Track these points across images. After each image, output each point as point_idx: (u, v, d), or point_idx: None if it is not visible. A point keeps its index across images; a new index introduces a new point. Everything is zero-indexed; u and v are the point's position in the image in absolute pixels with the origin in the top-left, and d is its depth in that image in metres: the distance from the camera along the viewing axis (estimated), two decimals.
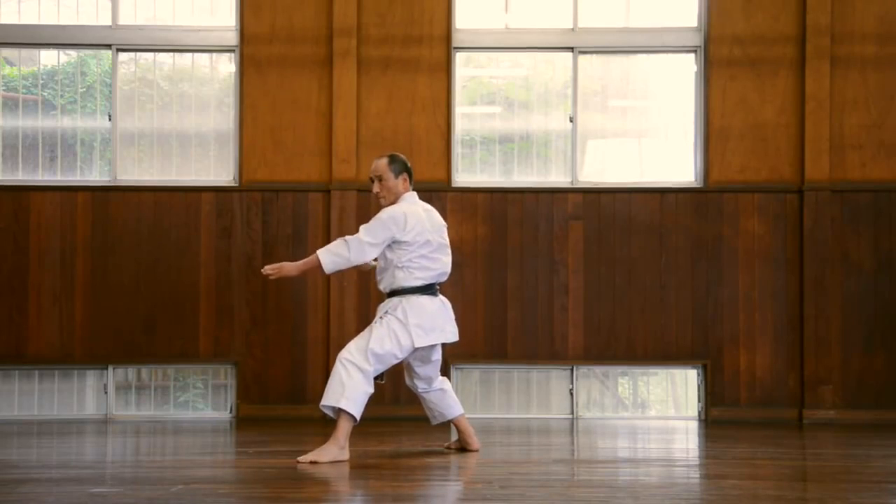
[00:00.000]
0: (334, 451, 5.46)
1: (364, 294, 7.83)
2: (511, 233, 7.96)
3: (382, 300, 5.56)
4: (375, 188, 5.76)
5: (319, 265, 5.56)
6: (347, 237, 5.58)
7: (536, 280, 7.93)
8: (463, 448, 5.99)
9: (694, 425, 7.68)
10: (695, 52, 8.08)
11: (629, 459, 5.91)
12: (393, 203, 5.74)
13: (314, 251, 7.89)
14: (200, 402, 8.03)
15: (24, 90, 8.22)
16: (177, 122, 8.14)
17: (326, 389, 5.48)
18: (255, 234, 7.92)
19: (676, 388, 8.19)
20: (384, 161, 5.77)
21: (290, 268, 5.59)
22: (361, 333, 5.62)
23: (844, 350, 7.87)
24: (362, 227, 5.60)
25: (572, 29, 8.10)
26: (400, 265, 5.64)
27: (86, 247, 7.90)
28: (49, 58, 8.25)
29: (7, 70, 8.30)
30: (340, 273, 7.84)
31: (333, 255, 5.54)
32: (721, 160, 7.97)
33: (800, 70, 7.96)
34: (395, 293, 5.70)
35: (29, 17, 8.15)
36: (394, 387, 7.76)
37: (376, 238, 5.57)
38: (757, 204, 7.95)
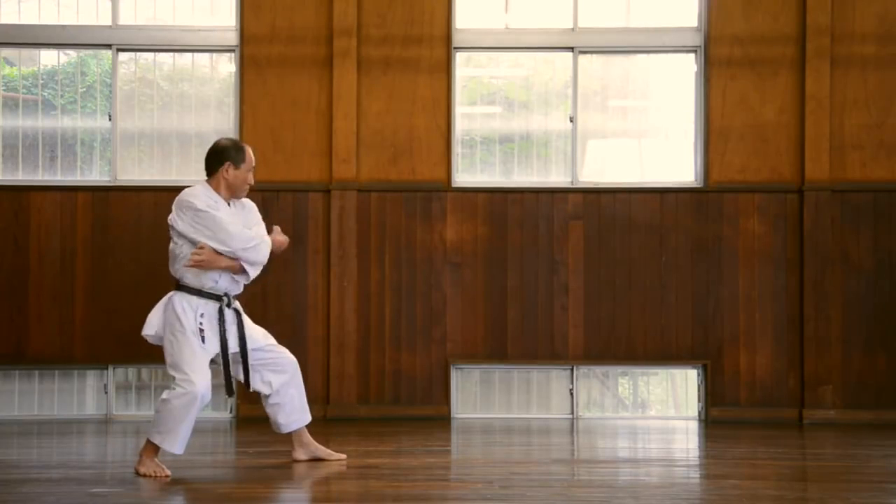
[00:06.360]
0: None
1: (364, 294, 7.82)
2: (511, 233, 7.95)
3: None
4: (251, 178, 5.60)
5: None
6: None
7: (536, 280, 7.93)
8: None
9: (694, 425, 7.68)
10: (695, 52, 8.08)
11: (629, 459, 5.91)
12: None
13: (314, 251, 7.97)
14: None
15: (24, 90, 8.22)
16: (177, 122, 8.14)
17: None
18: None
19: (676, 388, 8.19)
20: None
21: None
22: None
23: (844, 350, 7.86)
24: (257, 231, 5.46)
25: (572, 29, 8.10)
26: None
27: (86, 247, 7.89)
28: (49, 58, 8.25)
29: (7, 70, 8.30)
30: (341, 273, 7.87)
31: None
32: (721, 160, 7.97)
33: (800, 70, 7.95)
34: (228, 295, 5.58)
35: (29, 17, 8.15)
36: (393, 386, 7.76)
37: None
38: (757, 204, 7.94)
